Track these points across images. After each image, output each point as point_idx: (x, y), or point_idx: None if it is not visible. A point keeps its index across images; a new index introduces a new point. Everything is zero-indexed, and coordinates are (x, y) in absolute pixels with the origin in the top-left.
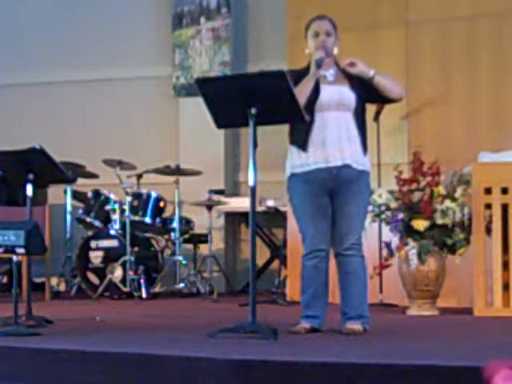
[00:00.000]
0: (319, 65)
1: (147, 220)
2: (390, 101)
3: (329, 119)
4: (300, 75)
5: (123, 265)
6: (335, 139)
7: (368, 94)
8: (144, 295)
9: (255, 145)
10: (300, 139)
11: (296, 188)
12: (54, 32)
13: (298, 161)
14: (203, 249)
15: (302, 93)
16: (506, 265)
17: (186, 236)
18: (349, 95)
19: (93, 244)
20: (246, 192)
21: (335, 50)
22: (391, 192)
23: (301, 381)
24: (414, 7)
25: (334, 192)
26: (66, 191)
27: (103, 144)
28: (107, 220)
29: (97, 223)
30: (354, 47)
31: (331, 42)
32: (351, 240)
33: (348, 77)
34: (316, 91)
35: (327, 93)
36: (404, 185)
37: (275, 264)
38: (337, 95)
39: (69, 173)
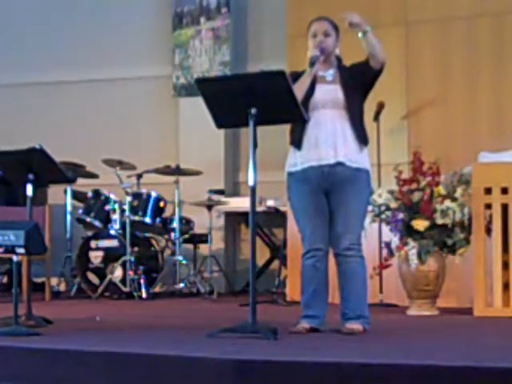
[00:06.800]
0: (313, 63)
1: (147, 220)
2: (375, 72)
3: (323, 117)
4: (299, 77)
5: (123, 265)
6: (329, 137)
7: (363, 76)
8: (144, 295)
9: (255, 145)
10: (296, 138)
11: (293, 187)
12: (54, 32)
13: (294, 160)
14: (203, 249)
15: (297, 91)
16: (506, 265)
17: (186, 236)
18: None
19: (93, 244)
20: (246, 192)
21: (336, 51)
22: (391, 192)
23: (301, 381)
24: (413, 7)
25: (329, 191)
26: (65, 191)
27: (103, 144)
28: (107, 220)
29: (97, 223)
30: (354, 47)
31: (330, 42)
32: (350, 240)
33: (346, 76)
34: (311, 90)
35: (322, 91)
36: (404, 185)
37: (275, 264)
38: (332, 93)
39: (69, 173)
